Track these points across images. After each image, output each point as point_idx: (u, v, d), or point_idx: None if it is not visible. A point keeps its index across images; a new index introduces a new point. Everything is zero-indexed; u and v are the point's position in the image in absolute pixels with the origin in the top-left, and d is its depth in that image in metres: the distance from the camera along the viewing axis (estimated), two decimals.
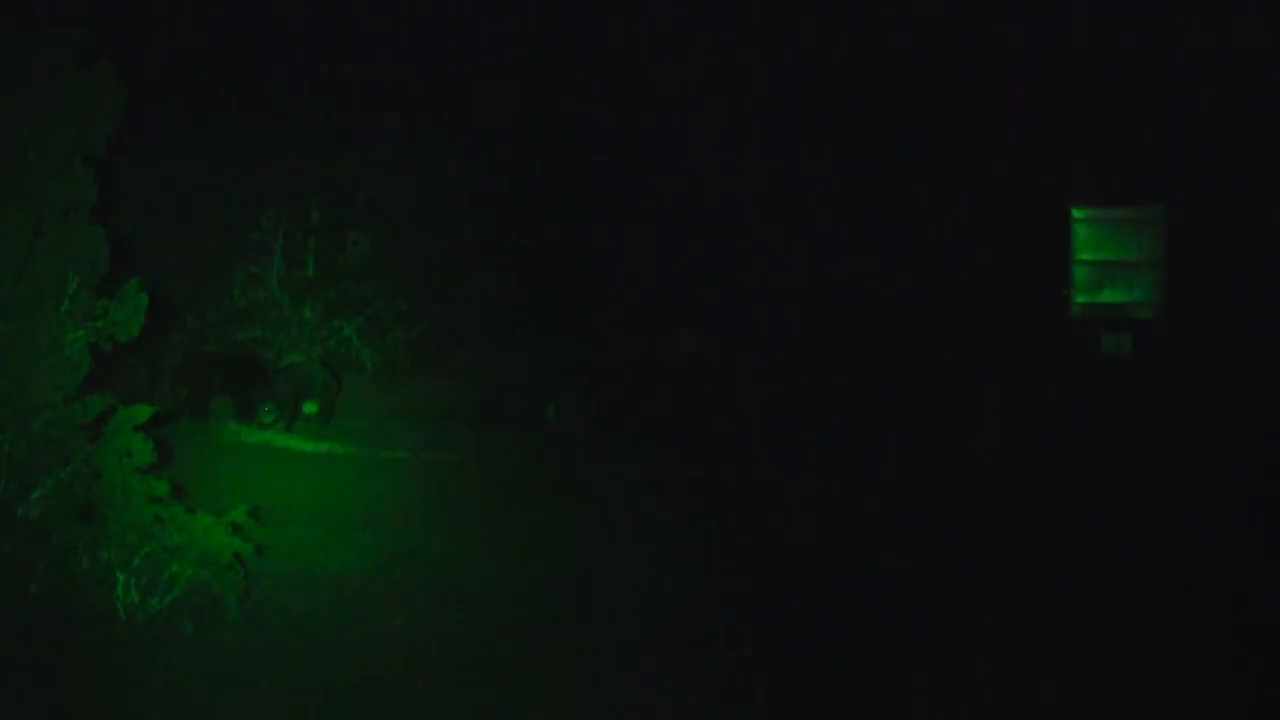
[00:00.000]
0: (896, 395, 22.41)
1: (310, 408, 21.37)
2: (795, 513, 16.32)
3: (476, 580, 13.24)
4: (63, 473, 11.67)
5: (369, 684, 10.44)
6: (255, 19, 23.06)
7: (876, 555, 14.40)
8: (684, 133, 24.28)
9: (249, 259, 23.19)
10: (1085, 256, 23.44)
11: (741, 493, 17.41)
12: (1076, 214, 23.51)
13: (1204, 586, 13.07)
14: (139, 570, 11.54)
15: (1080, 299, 23.38)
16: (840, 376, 22.95)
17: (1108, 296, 23.27)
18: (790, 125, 23.84)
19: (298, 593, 12.67)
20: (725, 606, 12.52)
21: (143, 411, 11.84)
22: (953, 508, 16.37)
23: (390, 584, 13.06)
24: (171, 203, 22.42)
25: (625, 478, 18.25)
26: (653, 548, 14.61)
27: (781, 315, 24.03)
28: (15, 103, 11.64)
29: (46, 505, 11.64)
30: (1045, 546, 14.62)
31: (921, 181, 23.91)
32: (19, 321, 11.54)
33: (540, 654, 11.12)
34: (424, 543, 14.59)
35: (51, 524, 11.59)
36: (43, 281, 11.64)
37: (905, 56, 23.97)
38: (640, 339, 24.12)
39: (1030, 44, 23.78)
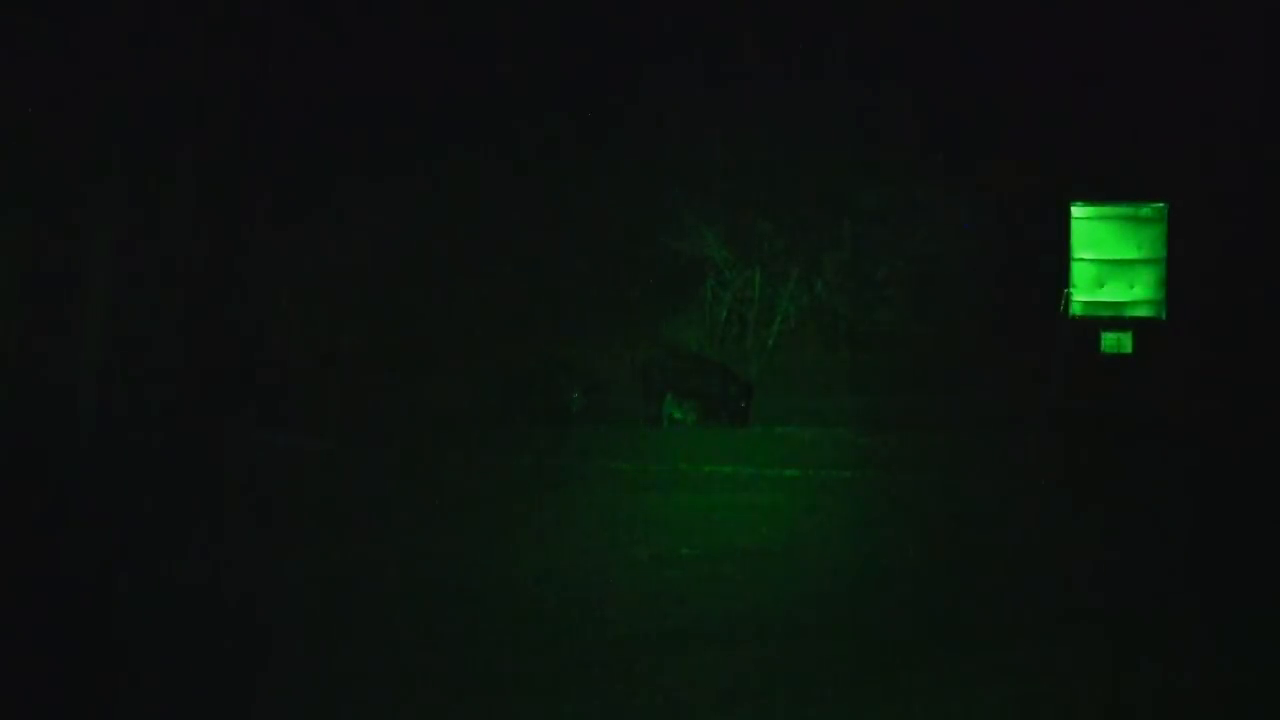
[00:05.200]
0: (895, 391, 22.45)
1: (285, 410, 21.54)
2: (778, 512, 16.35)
3: (477, 581, 13.27)
4: None
5: (368, 685, 10.47)
6: (258, 19, 23.10)
7: (875, 549, 14.41)
8: (680, 127, 24.32)
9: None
10: (1085, 254, 23.42)
11: (749, 488, 17.44)
12: (1076, 211, 23.48)
13: (1204, 585, 13.09)
14: None
15: (1080, 297, 23.37)
16: (839, 369, 23.00)
17: (1107, 295, 23.25)
18: (788, 123, 23.87)
19: (298, 591, 12.72)
20: (734, 614, 12.55)
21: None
22: (950, 505, 16.40)
23: (391, 583, 13.10)
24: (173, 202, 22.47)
25: (626, 476, 18.29)
26: (651, 544, 14.64)
27: (776, 313, 24.09)
28: None
29: None
30: (1042, 545, 14.64)
31: (920, 179, 23.96)
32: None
33: (541, 657, 11.14)
34: (424, 542, 14.63)
35: None
36: None
37: (905, 55, 24.00)
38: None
39: (1031, 43, 23.82)
